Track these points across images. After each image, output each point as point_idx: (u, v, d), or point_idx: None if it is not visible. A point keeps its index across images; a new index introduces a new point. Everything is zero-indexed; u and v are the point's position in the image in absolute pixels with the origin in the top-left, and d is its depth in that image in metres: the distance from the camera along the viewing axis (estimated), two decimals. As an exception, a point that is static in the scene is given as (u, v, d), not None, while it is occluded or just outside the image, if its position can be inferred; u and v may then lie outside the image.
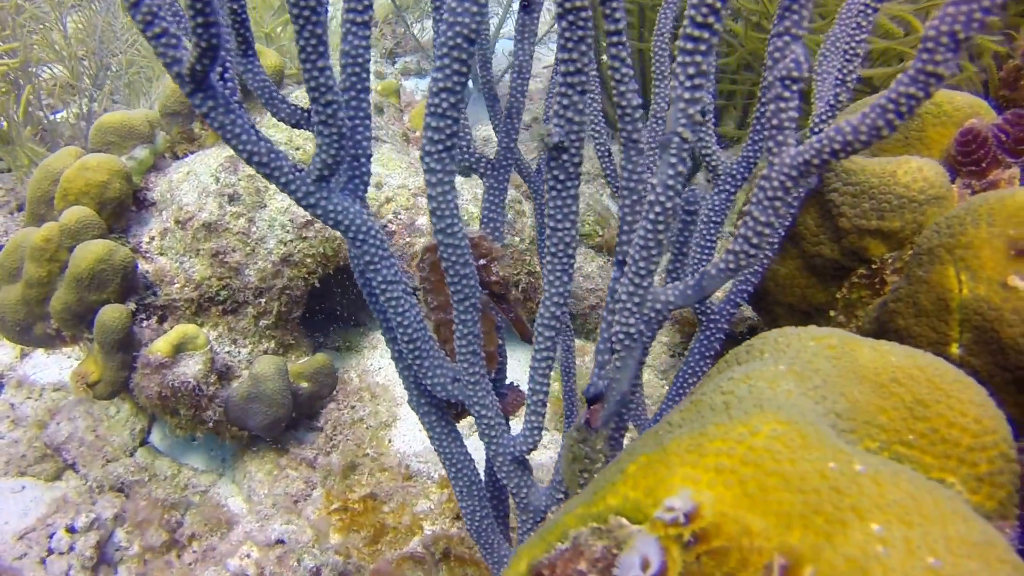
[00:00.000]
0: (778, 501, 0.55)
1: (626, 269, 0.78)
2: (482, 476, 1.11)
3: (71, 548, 2.36)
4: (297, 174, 0.79)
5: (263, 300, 2.53)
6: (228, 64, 0.82)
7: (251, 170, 2.55)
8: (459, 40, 0.71)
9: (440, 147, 0.76)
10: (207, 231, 2.47)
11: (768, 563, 0.51)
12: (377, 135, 2.94)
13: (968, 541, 0.49)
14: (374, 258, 0.85)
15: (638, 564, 0.52)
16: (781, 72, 0.70)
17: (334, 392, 2.66)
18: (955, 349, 0.89)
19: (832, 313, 1.14)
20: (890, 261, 1.07)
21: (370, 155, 0.85)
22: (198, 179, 2.54)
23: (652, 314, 0.79)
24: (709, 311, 1.12)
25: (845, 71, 1.04)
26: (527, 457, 0.98)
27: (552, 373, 0.91)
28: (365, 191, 0.87)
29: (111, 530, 2.44)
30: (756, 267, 1.11)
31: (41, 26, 3.85)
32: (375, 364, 2.76)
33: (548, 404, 0.94)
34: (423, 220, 2.61)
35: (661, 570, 0.51)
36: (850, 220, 1.10)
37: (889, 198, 1.07)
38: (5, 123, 3.43)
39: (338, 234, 2.58)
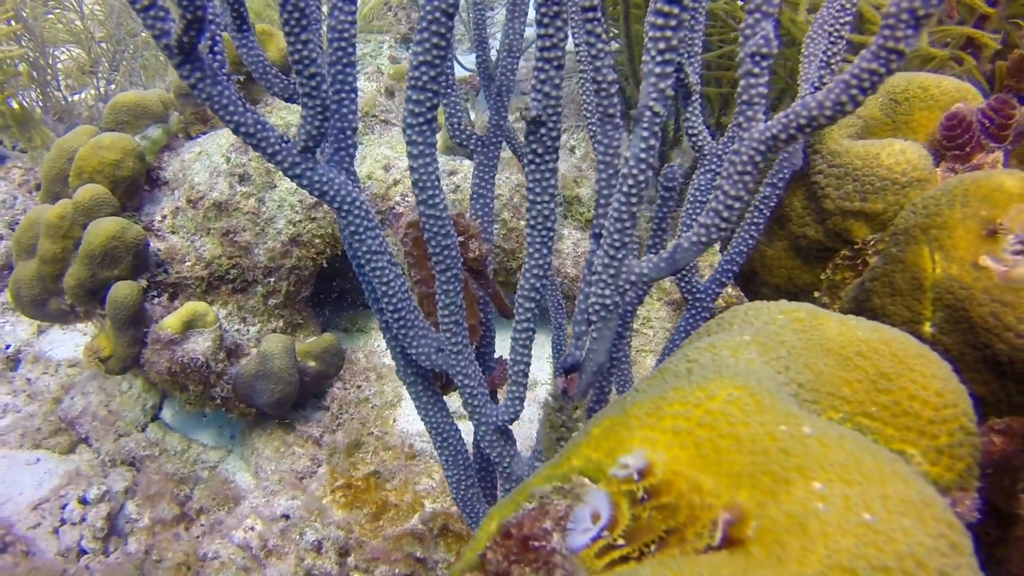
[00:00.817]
0: (730, 461, 0.57)
1: (602, 242, 0.80)
2: (469, 447, 1.13)
3: (83, 519, 2.41)
4: (283, 145, 0.81)
5: (272, 279, 2.56)
6: (218, 38, 0.84)
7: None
8: (438, 14, 0.73)
9: (421, 119, 0.78)
10: (218, 210, 2.50)
11: (715, 519, 0.54)
12: (387, 119, 2.97)
13: (905, 500, 0.51)
14: (358, 228, 0.88)
15: (589, 517, 0.54)
16: (751, 48, 0.71)
17: (341, 372, 2.69)
18: (928, 328, 0.91)
19: (816, 294, 1.15)
20: (872, 243, 1.08)
21: (356, 128, 0.87)
22: (209, 159, 2.57)
23: (627, 286, 0.81)
24: (695, 290, 1.14)
25: (829, 53, 1.05)
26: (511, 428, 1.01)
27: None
28: (351, 163, 0.89)
29: (122, 502, 2.49)
30: (742, 247, 1.12)
31: (57, 8, 3.90)
32: (382, 345, 2.79)
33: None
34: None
35: (610, 522, 0.54)
36: (834, 201, 1.11)
37: (872, 180, 1.08)
38: (16, 104, 3.48)
39: (347, 215, 2.61)
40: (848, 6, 1.02)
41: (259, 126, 0.79)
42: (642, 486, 0.56)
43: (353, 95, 0.86)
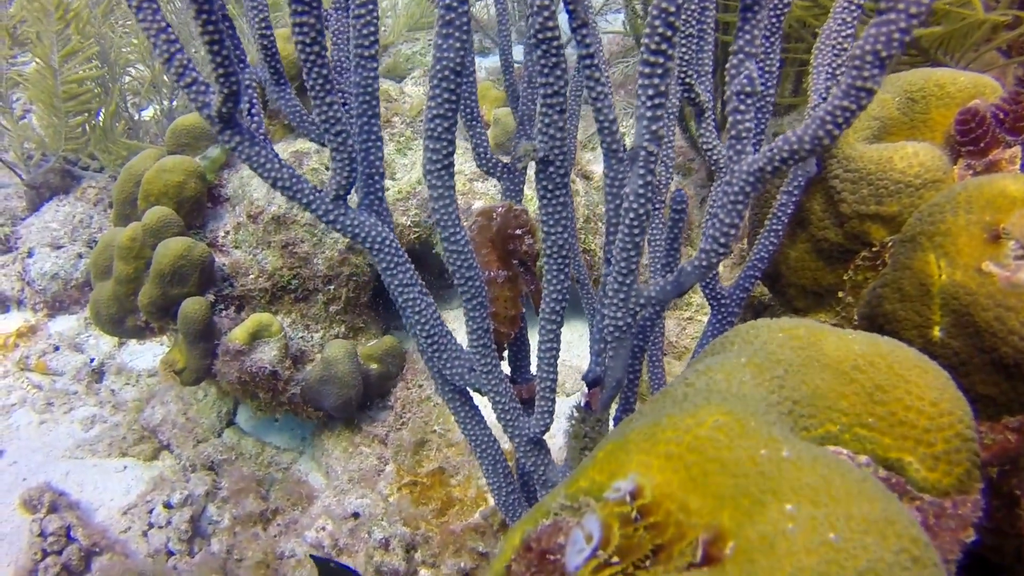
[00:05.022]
0: (715, 484, 0.62)
1: (611, 268, 0.86)
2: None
3: (168, 522, 2.56)
4: (317, 195, 0.89)
5: (332, 287, 2.67)
6: (255, 100, 0.92)
7: (315, 164, 2.69)
8: (447, 73, 0.79)
9: (439, 165, 0.85)
10: (277, 224, 2.62)
11: (697, 537, 0.59)
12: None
13: (868, 519, 0.56)
14: (389, 265, 0.95)
15: (582, 538, 0.61)
16: (736, 87, 0.76)
17: (403, 372, 2.78)
18: (937, 332, 0.94)
19: (841, 294, 1.18)
20: (890, 244, 1.10)
21: (383, 173, 0.95)
22: (267, 175, 2.68)
23: (637, 308, 0.87)
24: (720, 296, 1.19)
25: (834, 65, 1.08)
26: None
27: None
28: (381, 205, 0.97)
29: (203, 506, 2.63)
30: (763, 254, 1.16)
31: (126, 32, 4.07)
32: (441, 344, 2.87)
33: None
34: (479, 204, 2.70)
35: (600, 542, 0.60)
36: (850, 205, 1.15)
37: (886, 184, 1.10)
38: (103, 119, 3.67)
39: (402, 220, 2.71)
40: (850, 20, 1.05)
41: (294, 180, 0.87)
42: (635, 507, 0.62)
43: (379, 143, 0.94)
